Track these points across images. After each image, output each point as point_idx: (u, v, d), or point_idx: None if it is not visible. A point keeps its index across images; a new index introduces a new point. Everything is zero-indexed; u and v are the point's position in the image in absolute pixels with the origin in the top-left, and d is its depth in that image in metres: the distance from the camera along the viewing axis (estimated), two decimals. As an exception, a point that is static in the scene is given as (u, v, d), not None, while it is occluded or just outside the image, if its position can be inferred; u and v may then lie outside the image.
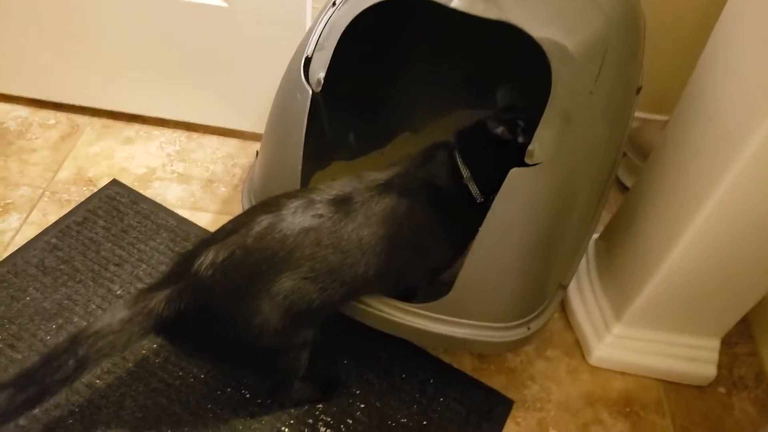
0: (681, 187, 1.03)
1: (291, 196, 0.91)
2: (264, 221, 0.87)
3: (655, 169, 1.14)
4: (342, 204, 0.91)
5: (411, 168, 0.97)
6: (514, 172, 0.86)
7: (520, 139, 0.92)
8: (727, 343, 1.24)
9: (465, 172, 0.96)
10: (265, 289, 0.85)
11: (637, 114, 1.18)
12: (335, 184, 0.94)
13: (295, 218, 0.87)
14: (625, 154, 1.50)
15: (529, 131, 0.89)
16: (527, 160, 0.86)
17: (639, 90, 1.09)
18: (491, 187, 0.94)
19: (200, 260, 0.86)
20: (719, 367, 1.20)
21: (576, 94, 0.89)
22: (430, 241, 0.98)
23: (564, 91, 0.87)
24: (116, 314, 0.86)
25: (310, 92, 0.95)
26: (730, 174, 0.91)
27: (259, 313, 0.86)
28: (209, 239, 0.89)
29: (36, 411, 1.02)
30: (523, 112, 0.95)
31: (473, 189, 0.96)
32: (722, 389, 1.21)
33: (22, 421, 1.01)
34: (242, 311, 0.86)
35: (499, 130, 0.93)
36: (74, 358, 0.84)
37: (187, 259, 0.88)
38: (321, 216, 0.89)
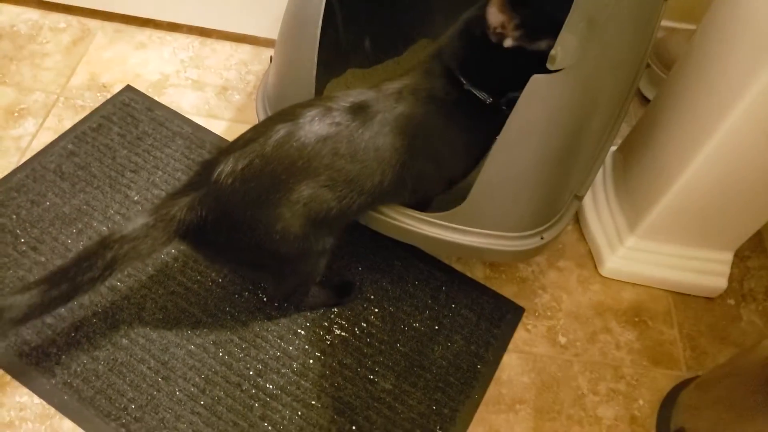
0: (704, 98, 1.00)
1: (308, 105, 0.90)
2: (282, 130, 0.87)
3: (678, 80, 1.10)
4: (359, 112, 0.89)
5: (417, 79, 0.95)
6: (535, 79, 0.83)
7: (507, 43, 0.88)
8: (739, 256, 1.25)
9: (463, 79, 0.93)
10: (285, 196, 0.86)
11: (663, 23, 1.12)
12: (352, 92, 0.93)
13: (313, 126, 0.87)
14: (648, 65, 1.44)
15: (527, 27, 0.86)
16: (549, 66, 0.82)
17: (668, -4, 1.04)
18: (499, 86, 0.92)
19: (220, 168, 0.86)
20: (730, 279, 1.21)
21: (603, -4, 0.85)
22: (445, 150, 0.97)
23: (590, -7, 0.83)
24: (140, 220, 0.88)
25: (325, -8, 0.91)
26: (758, 82, 0.88)
27: (280, 220, 0.87)
28: (228, 148, 0.89)
29: (62, 310, 1.07)
30: None
31: (479, 93, 0.93)
32: (731, 301, 1.23)
33: (49, 320, 1.06)
34: (263, 218, 0.87)
35: (479, 32, 0.88)
36: (103, 259, 0.87)
37: (207, 167, 0.89)
38: (338, 124, 0.88)
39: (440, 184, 1.03)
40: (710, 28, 1.01)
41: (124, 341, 1.06)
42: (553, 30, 0.83)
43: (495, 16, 0.87)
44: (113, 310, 1.09)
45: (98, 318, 1.08)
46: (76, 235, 1.18)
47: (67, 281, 0.86)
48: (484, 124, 0.95)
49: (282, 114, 0.91)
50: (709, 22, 1.02)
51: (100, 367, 1.03)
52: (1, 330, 0.89)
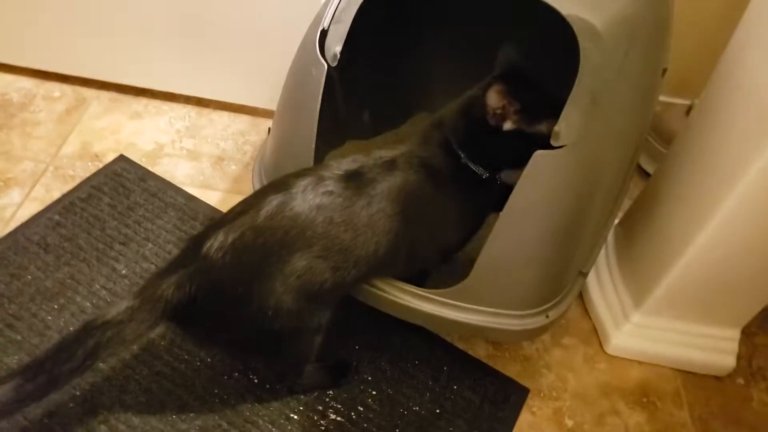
0: (707, 174, 0.99)
1: (300, 174, 0.88)
2: (274, 201, 0.84)
3: (679, 154, 1.10)
4: (352, 180, 0.88)
5: (413, 147, 0.94)
6: (539, 155, 0.82)
7: (507, 126, 0.88)
8: (746, 333, 1.21)
9: (461, 153, 0.92)
10: (277, 269, 0.83)
11: (660, 98, 1.13)
12: (345, 159, 0.91)
13: (306, 196, 0.85)
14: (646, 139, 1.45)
15: (527, 111, 0.86)
16: (553, 142, 0.82)
17: (665, 72, 1.05)
18: (497, 163, 0.92)
19: (210, 243, 0.83)
20: (738, 357, 1.17)
21: (604, 73, 0.85)
22: (438, 220, 0.95)
23: (592, 71, 0.83)
24: (125, 303, 0.83)
25: (326, 67, 0.91)
26: (761, 157, 0.87)
27: (272, 294, 0.83)
28: (218, 222, 0.86)
29: (39, 392, 1.00)
30: (523, 77, 0.90)
31: (476, 167, 0.92)
32: (741, 380, 1.18)
33: (23, 402, 0.99)
34: (255, 293, 0.83)
35: (479, 113, 0.88)
36: (84, 348, 0.81)
37: (196, 242, 0.86)
38: (332, 193, 0.86)
39: (435, 255, 1.01)
40: (710, 103, 1.02)
41: (103, 428, 0.99)
42: (552, 111, 0.83)
43: (495, 100, 0.87)
44: (92, 393, 1.02)
45: (75, 402, 1.01)
46: (57, 311, 1.12)
47: (44, 373, 0.81)
48: (480, 197, 0.94)
49: (273, 185, 0.89)
50: (708, 97, 1.03)
51: (74, 457, 0.96)
52: None
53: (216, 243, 0.82)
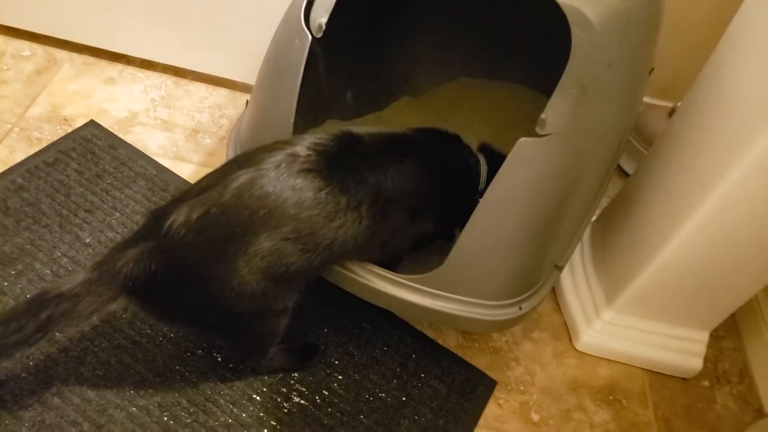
0: (686, 176, 0.99)
1: (272, 149, 0.83)
2: (243, 176, 0.80)
3: (659, 155, 1.10)
4: (332, 158, 0.84)
5: (416, 134, 0.93)
6: (523, 142, 0.80)
7: None
8: (714, 336, 1.22)
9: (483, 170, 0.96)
10: (241, 249, 0.79)
11: (644, 98, 1.13)
12: (322, 134, 0.87)
13: (279, 173, 0.80)
14: (627, 138, 1.45)
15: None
16: (538, 130, 0.80)
17: (651, 71, 1.04)
18: None
19: (172, 218, 0.79)
20: (705, 360, 1.17)
21: (594, 64, 0.84)
22: (425, 207, 0.93)
23: (582, 60, 0.82)
24: (81, 275, 0.80)
25: (310, 38, 0.88)
26: (741, 160, 0.87)
27: (235, 276, 0.80)
28: (182, 196, 0.82)
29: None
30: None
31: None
32: (706, 382, 1.19)
33: (-29, 371, 0.95)
34: (217, 273, 0.80)
35: None
36: (35, 320, 0.78)
37: (159, 216, 0.81)
38: (308, 171, 0.81)
39: (410, 241, 0.98)
40: (693, 106, 1.01)
41: (56, 400, 0.94)
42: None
43: None
44: (47, 364, 0.98)
45: (28, 372, 0.96)
46: (14, 276, 1.07)
47: None
48: (468, 192, 0.93)
49: (244, 158, 0.84)
50: (692, 100, 1.02)
51: (23, 429, 0.91)
52: None
53: (179, 219, 0.78)
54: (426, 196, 0.91)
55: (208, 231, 0.79)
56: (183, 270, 0.80)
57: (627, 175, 1.47)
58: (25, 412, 0.93)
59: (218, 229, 0.79)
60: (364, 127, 0.92)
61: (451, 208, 0.96)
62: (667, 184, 1.04)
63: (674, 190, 1.01)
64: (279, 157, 0.82)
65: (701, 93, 1.00)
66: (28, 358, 0.97)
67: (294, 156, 0.82)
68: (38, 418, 0.92)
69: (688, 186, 0.97)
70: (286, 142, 0.85)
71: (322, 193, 0.81)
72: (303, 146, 0.84)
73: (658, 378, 1.18)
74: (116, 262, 0.80)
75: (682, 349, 1.16)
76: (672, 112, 1.43)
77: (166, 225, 0.79)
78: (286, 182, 0.80)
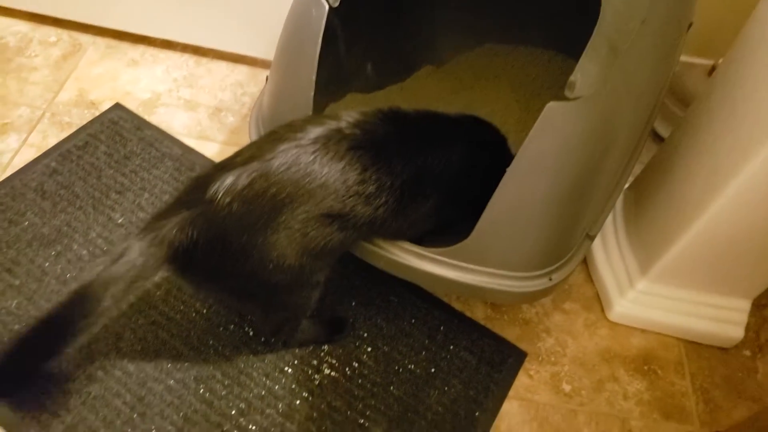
0: (727, 140, 0.95)
1: (318, 122, 0.83)
2: (290, 150, 0.79)
3: (698, 117, 1.05)
4: (376, 136, 0.84)
5: (462, 120, 0.93)
6: (551, 107, 0.78)
7: None
8: (756, 305, 1.18)
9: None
10: (284, 223, 0.79)
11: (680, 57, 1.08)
12: (369, 111, 0.86)
13: (326, 149, 0.80)
14: (661, 101, 1.40)
15: None
16: (567, 94, 0.77)
17: (690, 26, 0.99)
18: None
19: (216, 186, 0.78)
20: (746, 329, 1.14)
21: (626, 21, 0.80)
22: (457, 191, 0.93)
23: (613, 18, 0.78)
24: (134, 248, 0.80)
25: (327, 7, 0.86)
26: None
27: (275, 248, 0.80)
28: (226, 164, 0.81)
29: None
30: None
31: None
32: (747, 352, 1.16)
33: (17, 348, 0.98)
34: (259, 244, 0.80)
35: None
36: (97, 303, 0.80)
37: (201, 183, 0.81)
38: (353, 150, 0.81)
39: (434, 223, 0.97)
40: (735, 63, 0.96)
41: (99, 373, 0.98)
42: None
43: None
44: (89, 340, 1.01)
45: (72, 347, 0.99)
46: (54, 257, 1.10)
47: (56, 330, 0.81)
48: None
49: (289, 131, 0.83)
50: (734, 57, 0.97)
51: (71, 401, 0.95)
52: None
53: (224, 187, 0.78)
54: (465, 184, 0.91)
55: (253, 202, 0.78)
56: (225, 239, 0.80)
57: (661, 139, 1.42)
58: (71, 385, 0.96)
59: (263, 201, 0.78)
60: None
61: (483, 199, 0.95)
62: (706, 147, 1.00)
63: (714, 154, 0.97)
64: (325, 132, 0.81)
65: (745, 49, 0.94)
66: (68, 335, 1.01)
67: (339, 132, 0.82)
68: (84, 390, 0.96)
69: (728, 149, 0.93)
70: (332, 117, 0.84)
71: (368, 172, 0.81)
72: (348, 122, 0.83)
73: (696, 348, 1.15)
74: (160, 228, 0.79)
75: (721, 318, 1.13)
76: (712, 70, 1.37)
77: (211, 192, 0.78)
78: (332, 159, 0.80)
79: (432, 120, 0.92)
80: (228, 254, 0.81)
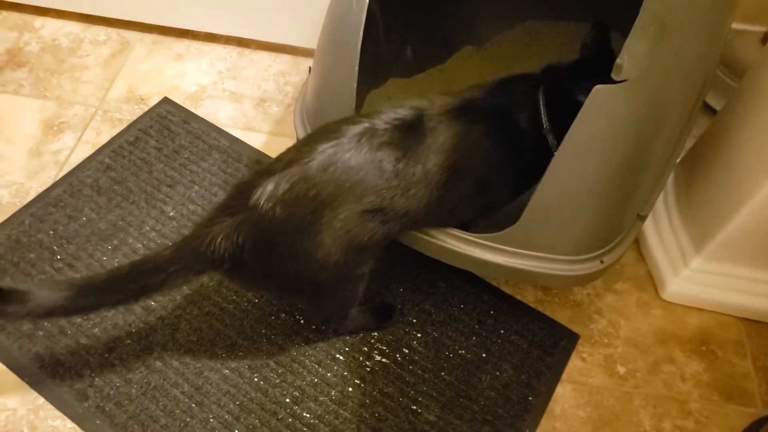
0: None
1: (352, 122, 0.85)
2: (328, 150, 0.81)
3: (752, 88, 1.01)
4: (408, 130, 0.84)
5: (490, 97, 0.90)
6: (599, 90, 0.76)
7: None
8: (820, 281, 1.13)
9: (546, 124, 0.89)
10: (328, 222, 0.81)
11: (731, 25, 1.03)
12: (399, 108, 0.87)
13: (360, 147, 0.81)
14: (714, 71, 1.34)
15: None
16: (614, 76, 0.75)
17: (741, -7, 0.95)
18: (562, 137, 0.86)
19: (259, 192, 0.80)
20: (809, 306, 1.10)
21: (674, -4, 0.77)
22: (493, 176, 0.92)
23: (660, -7, 0.75)
24: (173, 251, 0.84)
25: (367, 0, 0.86)
26: None
27: (321, 248, 0.82)
28: (267, 169, 0.84)
29: (95, 330, 1.04)
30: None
31: (551, 140, 0.89)
32: (811, 330, 1.12)
33: (83, 340, 1.03)
34: (304, 246, 0.82)
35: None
36: (133, 286, 0.84)
37: (244, 189, 0.83)
38: (387, 144, 0.82)
39: (478, 208, 0.97)
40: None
41: (158, 364, 1.02)
42: None
43: None
44: (147, 331, 1.05)
45: (132, 339, 1.04)
46: (111, 251, 1.15)
47: (94, 296, 0.84)
48: (542, 164, 0.87)
49: (325, 132, 0.85)
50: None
51: (133, 390, 0.99)
52: (13, 318, 0.90)
53: (266, 193, 0.80)
54: (493, 164, 0.90)
55: (296, 205, 0.80)
56: (270, 243, 0.82)
57: (714, 111, 1.37)
58: (132, 375, 1.00)
59: (305, 203, 0.80)
60: (439, 96, 0.89)
61: (522, 171, 0.93)
62: (761, 119, 0.96)
63: (770, 125, 0.93)
64: (360, 129, 0.83)
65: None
66: (129, 325, 1.05)
67: (373, 130, 0.83)
68: (144, 380, 1.00)
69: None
70: (366, 116, 0.86)
71: (400, 163, 0.82)
72: (382, 120, 0.84)
73: (756, 326, 1.11)
74: (205, 237, 0.83)
75: (782, 295, 1.09)
76: (765, 37, 1.30)
77: (254, 198, 0.80)
78: (367, 155, 0.81)
79: (450, 107, 0.89)
80: (274, 257, 0.84)
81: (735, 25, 1.37)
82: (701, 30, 0.85)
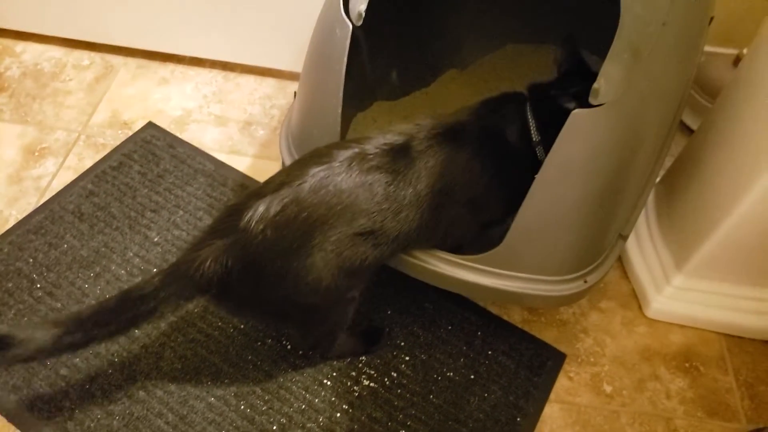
0: (758, 128, 0.93)
1: (342, 146, 0.86)
2: (319, 173, 0.82)
3: (726, 107, 1.04)
4: (398, 154, 0.85)
5: (477, 118, 0.91)
6: (577, 114, 0.78)
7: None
8: (798, 296, 1.15)
9: (536, 137, 0.90)
10: (318, 245, 0.81)
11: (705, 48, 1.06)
12: (389, 133, 0.88)
13: (351, 171, 0.82)
14: (689, 92, 1.37)
15: None
16: (591, 100, 0.77)
17: (711, 20, 0.98)
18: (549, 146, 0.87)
19: (249, 214, 0.80)
20: (789, 320, 1.11)
21: (647, 25, 0.80)
22: (486, 196, 0.92)
23: (633, 23, 0.78)
24: (162, 277, 0.83)
25: (350, 27, 0.87)
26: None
27: (311, 271, 0.82)
28: (258, 191, 0.84)
29: (77, 360, 1.02)
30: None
31: (540, 153, 0.90)
32: (791, 345, 1.13)
33: (63, 371, 1.02)
34: (294, 268, 0.82)
35: (573, 106, 0.83)
36: (122, 317, 0.83)
37: (234, 212, 0.83)
38: (377, 168, 0.83)
39: (474, 228, 0.98)
40: (762, 51, 0.95)
41: (141, 393, 1.00)
42: None
43: None
44: (130, 360, 1.04)
45: (114, 368, 1.02)
46: (93, 279, 1.14)
47: (82, 331, 0.83)
48: (526, 176, 0.89)
49: (315, 156, 0.86)
50: (760, 44, 0.95)
51: (114, 422, 0.97)
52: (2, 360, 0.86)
53: (256, 215, 0.80)
54: (484, 184, 0.90)
55: (286, 228, 0.80)
56: (260, 265, 0.82)
57: (691, 131, 1.40)
58: (114, 406, 0.99)
59: (296, 226, 0.80)
60: (424, 120, 0.90)
61: (515, 187, 0.94)
62: (736, 137, 0.99)
63: (745, 143, 0.96)
64: (350, 153, 0.84)
65: (769, 38, 0.93)
66: (112, 355, 1.04)
67: (363, 154, 0.84)
68: (127, 411, 0.98)
69: (760, 137, 0.92)
70: (356, 141, 0.87)
71: (391, 186, 0.83)
72: (372, 145, 0.85)
73: (737, 342, 1.13)
74: (194, 261, 0.82)
75: (763, 310, 1.11)
76: (737, 59, 1.34)
77: (244, 221, 0.80)
78: (357, 178, 0.82)
79: (437, 132, 0.90)
80: (263, 280, 0.84)
81: (710, 48, 1.41)
82: (675, 55, 0.87)
